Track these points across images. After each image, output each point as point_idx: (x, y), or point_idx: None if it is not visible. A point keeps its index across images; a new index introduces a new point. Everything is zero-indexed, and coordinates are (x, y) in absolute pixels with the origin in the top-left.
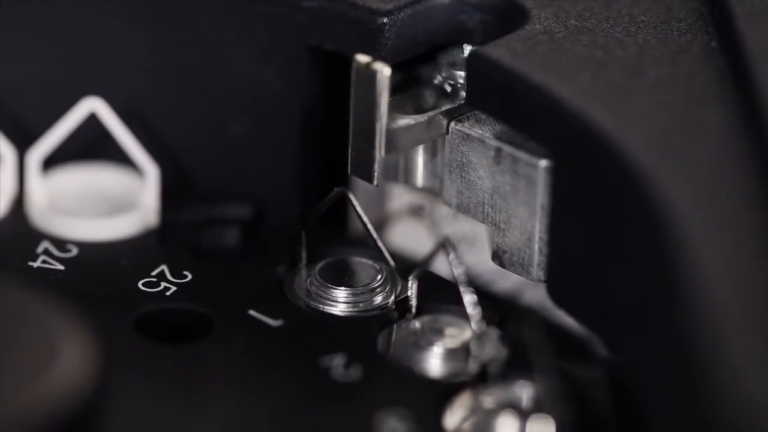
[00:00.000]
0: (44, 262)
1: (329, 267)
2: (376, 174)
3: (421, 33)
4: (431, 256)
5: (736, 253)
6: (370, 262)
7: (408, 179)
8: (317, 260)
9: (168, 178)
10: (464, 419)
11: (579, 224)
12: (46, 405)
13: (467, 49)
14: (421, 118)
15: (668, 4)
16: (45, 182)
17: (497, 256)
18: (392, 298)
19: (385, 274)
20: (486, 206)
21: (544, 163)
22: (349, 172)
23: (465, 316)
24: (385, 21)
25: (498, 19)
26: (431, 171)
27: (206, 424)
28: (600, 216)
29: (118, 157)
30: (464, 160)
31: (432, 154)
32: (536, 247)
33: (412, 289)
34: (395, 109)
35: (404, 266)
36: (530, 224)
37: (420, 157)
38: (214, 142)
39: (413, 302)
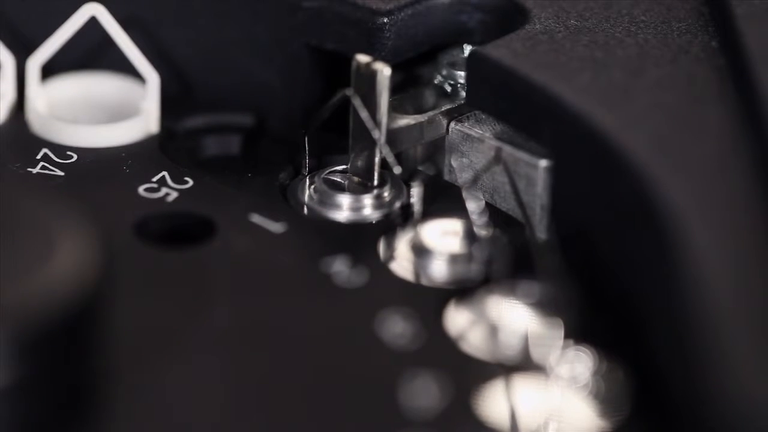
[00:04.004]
0: (44, 167)
1: (333, 173)
2: (376, 174)
3: (421, 33)
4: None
5: (736, 252)
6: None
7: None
8: (320, 167)
9: (169, 86)
10: (469, 323)
11: (579, 225)
12: (45, 304)
13: (467, 49)
14: (421, 118)
15: (668, 4)
16: (45, 89)
17: None
18: (397, 203)
19: (389, 180)
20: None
21: (544, 163)
22: (349, 172)
23: (469, 220)
24: (385, 21)
25: (498, 19)
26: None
27: (207, 328)
28: (600, 216)
29: (119, 67)
30: (464, 160)
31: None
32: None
33: (416, 194)
34: (395, 109)
35: (409, 171)
36: (530, 224)
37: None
38: (216, 49)
39: (417, 207)
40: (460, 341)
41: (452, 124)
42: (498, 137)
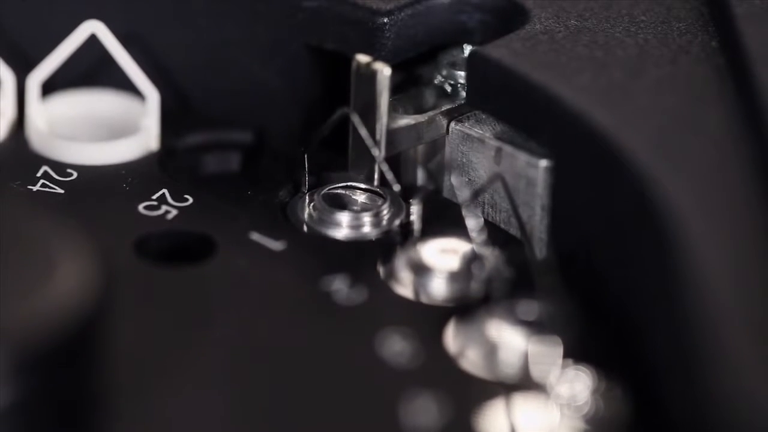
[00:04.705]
0: (44, 185)
1: (332, 190)
2: (376, 174)
3: (421, 33)
4: (434, 178)
5: (736, 252)
6: (373, 186)
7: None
8: (320, 185)
9: (169, 103)
10: (468, 341)
11: (579, 225)
12: (45, 323)
13: (467, 49)
14: (421, 118)
15: (668, 4)
16: (45, 107)
17: None
18: (396, 221)
19: (388, 197)
20: (486, 206)
21: (544, 163)
22: (348, 169)
23: (469, 238)
24: (385, 21)
25: (498, 19)
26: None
27: (207, 346)
28: (600, 216)
29: (118, 84)
30: (464, 160)
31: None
32: (536, 247)
33: (415, 212)
34: (395, 109)
35: (408, 189)
36: (530, 224)
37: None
38: (216, 66)
39: (416, 225)
40: (460, 359)
41: (452, 124)
42: (498, 137)
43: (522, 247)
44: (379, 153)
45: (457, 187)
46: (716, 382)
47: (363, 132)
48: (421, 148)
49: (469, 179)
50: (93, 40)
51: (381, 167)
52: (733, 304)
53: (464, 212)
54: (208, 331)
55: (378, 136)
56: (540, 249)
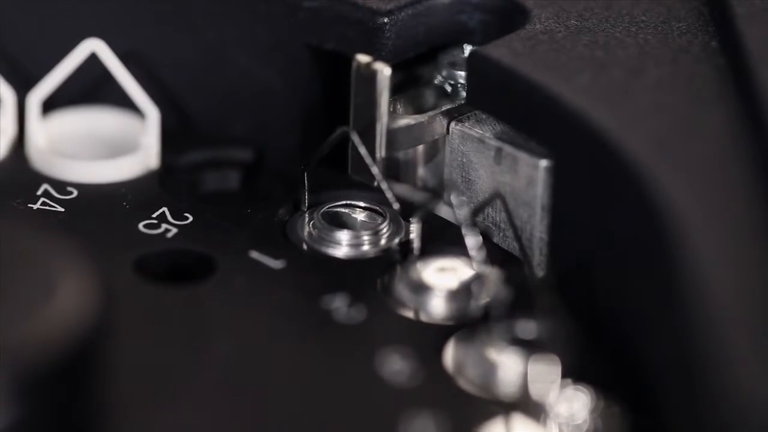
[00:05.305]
0: (44, 204)
1: (332, 209)
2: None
3: (422, 33)
4: (435, 198)
5: (736, 252)
6: (373, 204)
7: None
8: (319, 203)
9: (169, 121)
10: (467, 360)
11: (578, 225)
12: (45, 343)
13: (467, 49)
14: (421, 118)
15: (668, 4)
16: (46, 125)
17: None
18: (395, 240)
19: (388, 216)
20: (486, 207)
21: (544, 163)
22: (348, 172)
23: (468, 258)
24: (385, 21)
25: (498, 19)
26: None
27: (207, 365)
28: (600, 216)
29: (118, 102)
30: (464, 160)
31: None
32: (536, 247)
33: (414, 231)
34: (395, 109)
35: (408, 208)
36: (530, 224)
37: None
38: (216, 67)
39: (416, 244)
40: (459, 378)
41: (452, 124)
42: (498, 137)
43: (521, 266)
44: (378, 171)
45: (457, 206)
46: (716, 382)
47: (362, 150)
48: (421, 149)
49: (470, 179)
50: (93, 59)
51: (381, 185)
52: (733, 304)
53: (464, 231)
54: (208, 350)
55: (378, 137)
56: (540, 249)
